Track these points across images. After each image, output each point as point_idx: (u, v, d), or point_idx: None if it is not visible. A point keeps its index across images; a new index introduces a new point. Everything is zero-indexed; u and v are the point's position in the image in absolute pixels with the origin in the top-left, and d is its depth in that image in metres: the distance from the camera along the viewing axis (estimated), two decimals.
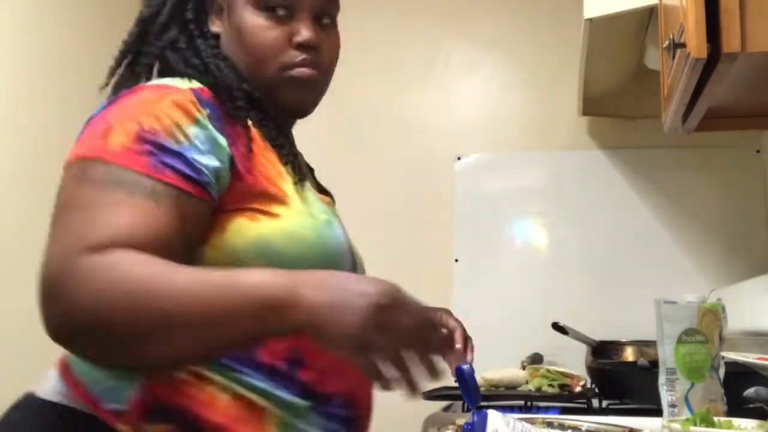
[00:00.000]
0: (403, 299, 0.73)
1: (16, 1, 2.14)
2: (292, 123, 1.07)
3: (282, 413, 0.80)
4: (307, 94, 0.99)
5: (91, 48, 2.46)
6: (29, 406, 0.85)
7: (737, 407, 1.27)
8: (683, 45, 1.14)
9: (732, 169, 2.33)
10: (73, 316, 0.69)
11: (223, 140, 0.83)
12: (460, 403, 1.76)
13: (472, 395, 0.89)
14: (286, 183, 0.88)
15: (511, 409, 1.60)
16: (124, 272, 0.70)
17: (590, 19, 1.75)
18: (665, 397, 1.14)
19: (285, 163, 0.90)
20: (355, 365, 0.71)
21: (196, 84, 0.87)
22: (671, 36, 1.23)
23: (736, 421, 1.01)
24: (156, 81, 0.89)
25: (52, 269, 0.70)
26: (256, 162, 0.86)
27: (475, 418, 0.88)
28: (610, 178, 2.40)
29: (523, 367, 1.93)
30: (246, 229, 0.82)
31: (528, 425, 0.91)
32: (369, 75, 2.58)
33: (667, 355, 1.15)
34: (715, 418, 1.01)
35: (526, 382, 1.80)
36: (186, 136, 0.80)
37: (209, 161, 0.80)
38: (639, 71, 2.17)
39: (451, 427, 1.17)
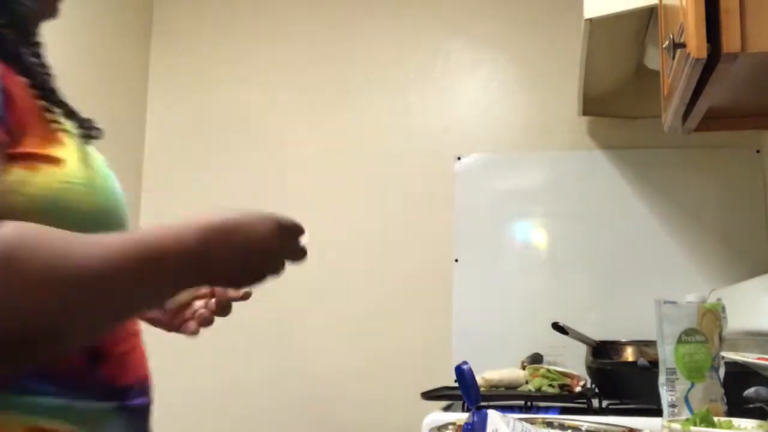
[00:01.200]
0: (285, 230, 0.73)
1: None
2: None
3: (88, 429, 0.68)
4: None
5: (94, 51, 2.46)
6: None
7: (737, 407, 1.27)
8: (683, 45, 1.14)
9: (732, 169, 2.33)
10: None
11: None
12: (460, 403, 1.76)
13: (472, 395, 0.89)
14: (60, 124, 0.75)
15: (511, 409, 1.59)
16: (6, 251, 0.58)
17: (590, 19, 1.75)
18: (665, 397, 1.14)
19: (67, 114, 0.79)
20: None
21: None
22: (671, 36, 1.23)
23: (736, 421, 1.01)
24: None
25: None
26: (20, 88, 0.71)
27: (475, 418, 0.88)
28: (610, 178, 2.40)
29: (523, 367, 1.93)
30: (26, 184, 0.67)
31: (528, 425, 0.91)
32: (369, 75, 2.58)
33: (667, 355, 1.15)
34: (715, 418, 1.01)
35: (526, 382, 1.80)
36: None
37: None
38: (639, 71, 2.17)
39: (450, 427, 1.17)
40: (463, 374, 0.89)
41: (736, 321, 1.64)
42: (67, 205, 0.69)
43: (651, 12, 1.76)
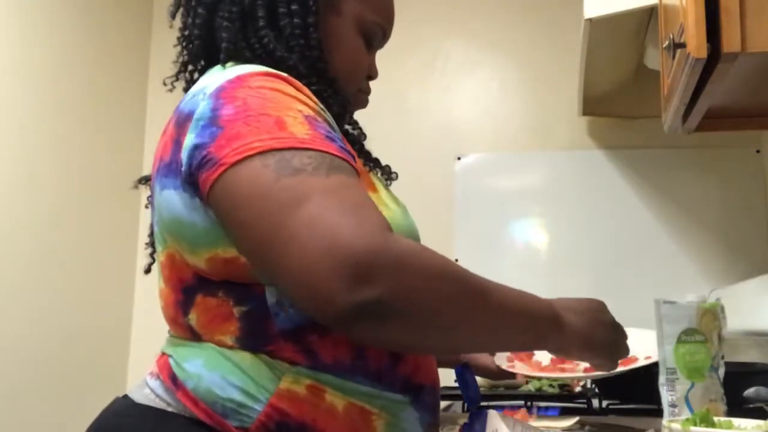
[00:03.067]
0: (616, 324, 0.91)
1: (17, 5, 2.14)
2: None
3: (387, 413, 0.82)
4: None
5: (94, 51, 2.46)
6: (137, 412, 0.81)
7: (737, 407, 1.27)
8: (683, 45, 1.14)
9: (732, 169, 2.33)
10: (388, 299, 0.66)
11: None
12: (460, 403, 1.76)
13: (472, 395, 0.89)
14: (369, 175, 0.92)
15: (511, 409, 1.59)
16: (438, 257, 0.72)
17: (590, 19, 1.75)
18: (665, 397, 1.14)
19: (372, 167, 0.95)
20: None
21: (275, 71, 0.83)
22: (671, 36, 1.23)
23: (736, 421, 1.01)
24: (244, 68, 0.83)
25: (357, 251, 0.66)
26: (348, 148, 0.84)
27: (475, 418, 0.88)
28: (610, 178, 2.40)
29: None
30: None
31: (528, 425, 0.91)
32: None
33: (666, 355, 1.15)
34: (715, 418, 1.01)
35: (527, 382, 1.80)
36: (328, 120, 0.81)
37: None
38: (639, 71, 2.17)
39: (452, 427, 1.17)
40: (463, 374, 0.89)
41: (736, 321, 1.64)
42: None
43: (651, 12, 1.76)
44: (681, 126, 1.48)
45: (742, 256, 2.25)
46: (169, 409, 0.79)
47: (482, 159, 2.51)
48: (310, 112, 0.78)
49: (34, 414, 2.11)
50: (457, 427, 1.20)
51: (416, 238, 0.89)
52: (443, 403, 1.77)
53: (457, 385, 0.96)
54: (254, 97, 0.77)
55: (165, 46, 2.97)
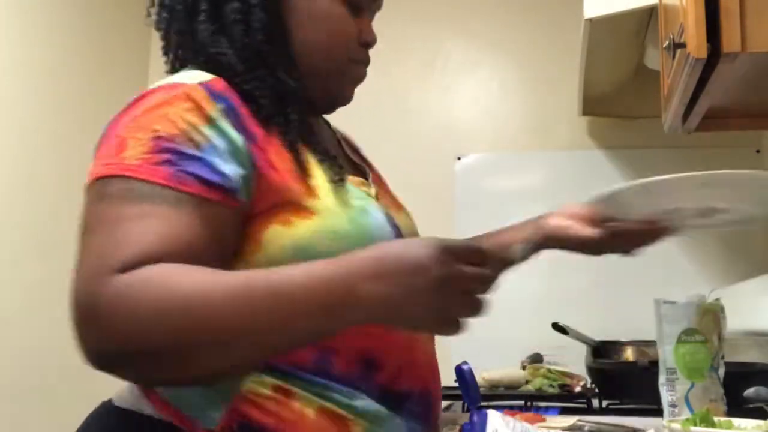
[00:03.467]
0: (452, 255, 0.70)
1: (16, 5, 2.14)
2: (325, 113, 1.04)
3: (365, 423, 0.77)
4: (354, 89, 1.00)
5: (94, 51, 2.46)
6: (115, 416, 0.82)
7: (737, 407, 1.27)
8: (683, 45, 1.14)
9: (732, 169, 2.32)
10: (110, 341, 0.65)
11: (239, 139, 0.77)
12: (460, 403, 1.76)
13: (472, 395, 0.89)
14: (313, 175, 0.82)
15: (511, 409, 1.59)
16: (157, 288, 0.65)
17: (590, 19, 1.75)
18: (665, 397, 1.14)
19: (320, 161, 0.84)
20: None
21: (206, 76, 0.80)
22: (671, 36, 1.23)
23: (736, 421, 1.01)
24: (166, 79, 0.83)
25: (81, 295, 0.66)
26: (279, 155, 0.80)
27: (475, 418, 0.88)
28: (610, 178, 2.39)
29: (523, 367, 1.93)
30: (280, 236, 0.76)
31: (528, 425, 0.91)
32: (369, 75, 2.58)
33: (666, 355, 1.15)
34: (715, 419, 1.01)
35: (526, 382, 1.80)
36: (205, 137, 0.75)
37: (232, 167, 0.75)
38: (639, 71, 2.16)
39: (456, 426, 1.17)
40: (463, 374, 0.89)
41: (736, 321, 1.64)
42: (314, 253, 0.74)
43: (651, 12, 1.76)
44: (681, 126, 1.48)
45: (742, 256, 2.25)
46: (146, 413, 0.78)
47: (482, 159, 2.51)
48: (170, 131, 0.75)
49: (33, 414, 2.11)
50: (457, 427, 1.20)
51: (371, 239, 0.79)
52: (443, 403, 1.77)
53: (457, 385, 0.96)
54: (131, 114, 0.79)
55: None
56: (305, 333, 0.69)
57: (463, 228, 2.46)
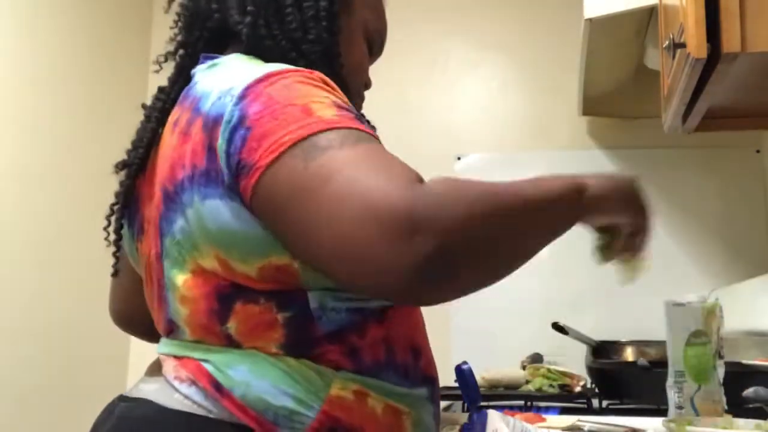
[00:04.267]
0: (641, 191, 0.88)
1: (18, 3, 2.14)
2: None
3: (414, 411, 0.84)
4: None
5: (94, 49, 2.46)
6: (173, 419, 0.78)
7: (737, 407, 1.27)
8: (683, 45, 1.14)
9: (732, 169, 2.33)
10: (449, 237, 0.64)
11: None
12: (460, 403, 1.76)
13: (472, 395, 0.89)
14: None
15: (511, 409, 1.59)
16: (473, 187, 0.69)
17: (590, 19, 1.75)
18: (673, 398, 1.14)
19: None
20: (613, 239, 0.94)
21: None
22: (671, 36, 1.23)
23: (736, 421, 1.01)
24: (281, 65, 0.82)
25: (397, 204, 0.64)
26: None
27: (475, 418, 0.88)
28: None
29: (523, 367, 1.93)
30: None
31: (528, 425, 0.91)
32: (369, 75, 2.58)
33: (675, 357, 1.15)
34: (715, 418, 1.01)
35: (526, 382, 1.80)
36: (354, 110, 0.80)
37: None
38: (639, 71, 2.17)
39: (456, 426, 1.17)
40: (463, 374, 0.89)
41: (736, 321, 1.64)
42: None
43: (651, 12, 1.76)
44: (681, 126, 1.48)
45: (742, 256, 2.25)
46: (211, 416, 0.76)
47: (482, 159, 2.51)
48: (338, 100, 0.77)
49: (33, 414, 2.11)
50: (457, 427, 1.20)
51: None
52: (443, 403, 1.77)
53: (457, 385, 0.96)
54: (280, 90, 0.76)
55: (166, 42, 2.96)
56: (563, 221, 0.84)
57: None
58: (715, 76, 1.15)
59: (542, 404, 1.66)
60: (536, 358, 2.15)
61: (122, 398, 0.85)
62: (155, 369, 0.85)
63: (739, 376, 1.40)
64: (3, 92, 2.07)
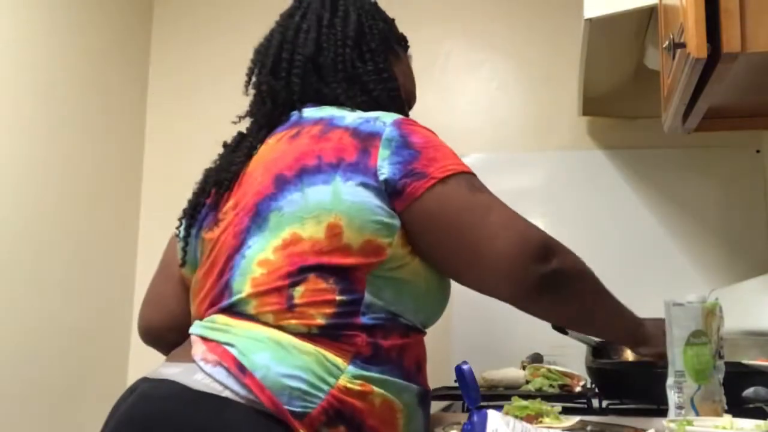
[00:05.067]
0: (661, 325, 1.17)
1: (19, 4, 2.14)
2: None
3: (407, 410, 1.00)
4: None
5: (94, 51, 2.46)
6: (192, 397, 0.89)
7: (737, 407, 1.27)
8: (683, 45, 1.14)
9: (732, 169, 2.33)
10: (562, 269, 1.01)
11: None
12: (460, 403, 1.76)
13: (472, 395, 0.89)
14: None
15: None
16: (580, 259, 1.08)
17: (590, 19, 1.75)
18: (673, 399, 1.14)
19: None
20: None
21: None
22: (671, 36, 1.24)
23: (736, 421, 1.01)
24: (407, 119, 1.12)
25: (540, 240, 1.01)
26: None
27: (475, 418, 0.88)
28: (610, 178, 2.40)
29: (523, 367, 1.93)
30: None
31: (528, 425, 0.91)
32: None
33: (676, 357, 1.15)
34: (715, 418, 1.01)
35: (527, 382, 1.80)
36: None
37: None
38: (639, 71, 2.16)
39: (456, 426, 1.17)
40: (463, 374, 0.89)
41: (736, 321, 1.64)
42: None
43: (651, 12, 1.76)
44: (681, 126, 1.48)
45: (742, 256, 2.25)
46: (224, 394, 0.89)
47: (482, 159, 2.51)
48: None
49: (33, 412, 2.11)
50: (458, 427, 1.20)
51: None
52: (443, 403, 1.77)
53: (457, 385, 0.96)
54: (426, 132, 1.09)
55: (166, 44, 2.98)
56: (617, 330, 1.19)
57: None
58: (715, 76, 1.15)
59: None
60: (536, 358, 2.15)
61: (145, 379, 0.97)
62: (179, 355, 0.98)
63: (739, 376, 1.40)
64: (3, 92, 2.07)
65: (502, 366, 1.86)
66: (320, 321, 0.95)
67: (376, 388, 0.96)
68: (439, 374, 2.30)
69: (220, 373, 0.90)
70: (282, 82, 1.20)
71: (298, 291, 0.96)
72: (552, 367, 1.83)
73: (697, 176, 2.34)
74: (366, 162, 1.01)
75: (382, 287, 0.99)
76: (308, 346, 0.93)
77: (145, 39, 2.75)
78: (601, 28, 1.79)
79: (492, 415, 0.88)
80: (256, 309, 0.97)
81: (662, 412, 1.23)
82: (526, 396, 1.67)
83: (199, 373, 0.91)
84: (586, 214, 2.38)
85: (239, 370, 0.90)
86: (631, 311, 1.18)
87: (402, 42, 1.42)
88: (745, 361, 1.42)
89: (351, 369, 0.94)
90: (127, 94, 2.65)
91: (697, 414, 1.10)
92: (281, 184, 1.04)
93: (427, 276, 1.06)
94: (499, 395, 1.71)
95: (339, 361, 0.94)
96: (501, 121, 2.53)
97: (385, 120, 1.07)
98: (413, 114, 2.73)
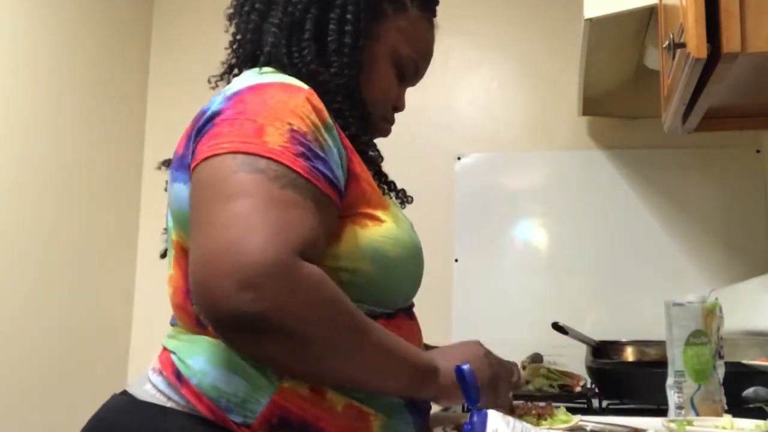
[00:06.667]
0: (497, 369, 0.98)
1: (19, 4, 2.14)
2: None
3: (383, 415, 0.86)
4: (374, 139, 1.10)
5: (94, 52, 2.46)
6: (137, 409, 0.85)
7: (737, 407, 1.27)
8: (683, 45, 1.14)
9: (732, 169, 2.33)
10: (274, 314, 0.70)
11: (342, 148, 0.88)
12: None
13: (472, 395, 0.89)
14: (378, 188, 0.96)
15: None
16: (331, 293, 0.76)
17: (590, 19, 1.75)
18: (672, 398, 1.14)
19: (373, 174, 0.99)
20: None
21: (304, 85, 0.88)
22: (671, 36, 1.23)
23: (736, 421, 1.01)
24: (273, 77, 0.89)
25: (261, 258, 0.70)
26: (360, 167, 0.92)
27: (475, 418, 0.88)
28: (610, 178, 2.40)
29: (523, 367, 1.93)
30: (357, 236, 0.87)
31: (528, 425, 0.91)
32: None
33: (675, 357, 1.15)
34: (715, 418, 1.01)
35: (527, 382, 1.80)
36: (326, 141, 0.84)
37: (340, 172, 0.85)
38: (639, 71, 2.16)
39: (456, 427, 1.17)
40: (463, 374, 0.89)
41: (736, 321, 1.64)
42: (382, 254, 0.88)
43: (651, 12, 1.76)
44: (681, 126, 1.48)
45: (742, 256, 2.25)
46: (169, 405, 0.82)
47: (482, 159, 2.51)
48: (302, 128, 0.81)
49: (33, 411, 2.11)
50: (458, 427, 1.20)
51: (419, 256, 0.96)
52: None
53: None
54: (256, 103, 0.83)
55: (166, 44, 2.97)
56: (398, 384, 0.85)
57: (463, 228, 2.46)
58: (715, 76, 1.15)
59: (542, 404, 1.65)
60: (536, 358, 2.15)
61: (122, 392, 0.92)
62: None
63: (739, 376, 1.40)
64: (2, 93, 2.07)
65: None
66: None
67: (331, 391, 0.83)
68: None
69: (162, 383, 0.85)
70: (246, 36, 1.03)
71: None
72: (552, 367, 1.83)
73: (697, 176, 2.34)
74: (188, 153, 0.86)
75: None
76: None
77: (146, 38, 2.75)
78: (601, 28, 1.79)
79: (492, 415, 0.88)
80: (181, 322, 0.90)
81: (662, 412, 1.23)
82: (526, 396, 1.67)
83: (147, 383, 0.86)
84: (586, 214, 2.38)
85: (176, 378, 0.83)
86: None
87: None
88: (745, 361, 1.42)
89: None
90: (127, 94, 2.64)
91: (697, 414, 1.10)
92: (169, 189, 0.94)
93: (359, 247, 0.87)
94: None
95: None
96: (501, 120, 2.53)
97: (229, 91, 0.87)
98: (410, 111, 2.70)
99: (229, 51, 1.06)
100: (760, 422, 1.01)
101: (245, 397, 0.80)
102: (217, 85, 1.07)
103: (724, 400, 1.15)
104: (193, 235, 0.75)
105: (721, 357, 1.16)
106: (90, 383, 2.33)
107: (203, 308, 0.72)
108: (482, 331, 2.36)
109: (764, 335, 1.61)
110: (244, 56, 1.02)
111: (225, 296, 0.69)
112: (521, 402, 1.37)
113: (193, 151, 0.82)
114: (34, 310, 2.15)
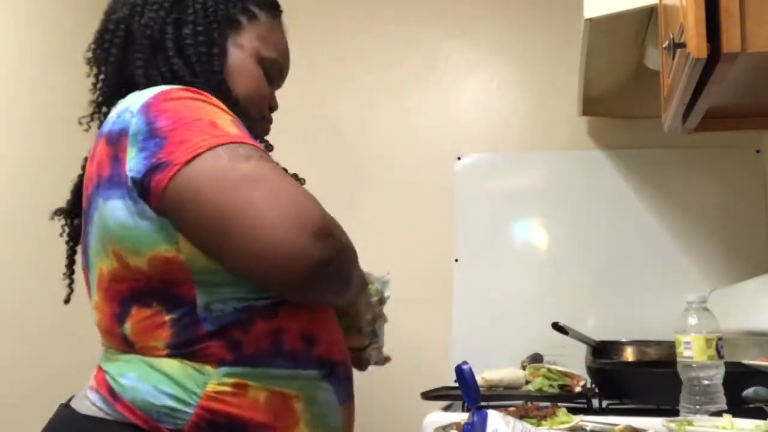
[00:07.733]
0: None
1: (19, 4, 2.14)
2: None
3: (304, 393, 0.92)
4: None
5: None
6: (80, 423, 0.93)
7: (737, 407, 1.27)
8: (683, 45, 1.14)
9: (732, 169, 2.33)
10: (337, 253, 0.86)
11: None
12: (460, 403, 1.76)
13: (472, 395, 0.89)
14: None
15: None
16: (349, 243, 0.93)
17: (590, 19, 1.75)
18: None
19: None
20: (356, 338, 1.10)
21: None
22: (671, 36, 1.23)
23: (736, 421, 1.01)
24: (170, 87, 0.95)
25: (320, 212, 0.86)
26: None
27: (475, 418, 0.88)
28: (610, 178, 2.40)
29: (523, 367, 1.93)
30: None
31: (528, 425, 0.91)
32: (369, 75, 2.58)
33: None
34: (715, 418, 1.01)
35: (526, 382, 1.80)
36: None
37: None
38: (639, 71, 2.17)
39: (455, 426, 1.17)
40: (463, 374, 0.89)
41: (736, 321, 1.64)
42: None
43: (651, 12, 1.76)
44: (681, 126, 1.48)
45: (742, 256, 2.25)
46: (109, 418, 0.90)
47: (482, 159, 2.51)
48: (231, 116, 0.93)
49: (32, 413, 2.11)
50: (458, 427, 1.20)
51: None
52: (443, 403, 1.77)
53: (457, 385, 0.96)
54: (182, 107, 0.90)
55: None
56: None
57: (463, 228, 2.47)
58: (715, 76, 1.15)
59: (542, 404, 1.66)
60: (536, 358, 2.15)
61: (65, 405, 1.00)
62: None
63: (739, 376, 1.40)
64: (3, 92, 2.07)
65: (502, 366, 1.86)
66: (162, 348, 0.89)
67: (253, 383, 0.89)
68: (439, 374, 2.31)
69: (99, 400, 0.92)
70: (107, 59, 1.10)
71: (128, 329, 0.91)
72: (552, 367, 1.83)
73: (697, 176, 2.34)
74: (119, 171, 0.89)
75: (214, 283, 0.89)
76: (173, 362, 0.88)
77: None
78: (601, 28, 1.79)
79: (492, 415, 0.88)
80: (110, 344, 0.97)
81: (662, 412, 1.23)
82: (526, 396, 1.67)
83: (86, 399, 0.94)
84: (585, 213, 2.38)
85: (111, 395, 0.90)
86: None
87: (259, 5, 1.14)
88: (745, 361, 1.42)
89: (220, 370, 0.88)
90: None
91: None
92: (85, 217, 0.99)
93: None
94: (499, 395, 1.72)
95: (207, 368, 0.88)
96: (501, 121, 2.53)
97: (133, 108, 0.91)
98: (410, 111, 2.69)
99: (94, 91, 1.13)
100: (760, 422, 1.01)
101: (174, 407, 0.87)
102: (89, 126, 1.14)
103: (724, 400, 1.15)
104: (233, 224, 0.82)
105: (721, 357, 1.16)
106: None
107: (282, 271, 0.83)
108: (482, 331, 2.36)
109: (764, 335, 1.61)
110: (110, 92, 1.08)
111: (310, 249, 0.82)
112: (521, 402, 1.37)
113: (152, 166, 0.86)
114: (33, 310, 2.15)
